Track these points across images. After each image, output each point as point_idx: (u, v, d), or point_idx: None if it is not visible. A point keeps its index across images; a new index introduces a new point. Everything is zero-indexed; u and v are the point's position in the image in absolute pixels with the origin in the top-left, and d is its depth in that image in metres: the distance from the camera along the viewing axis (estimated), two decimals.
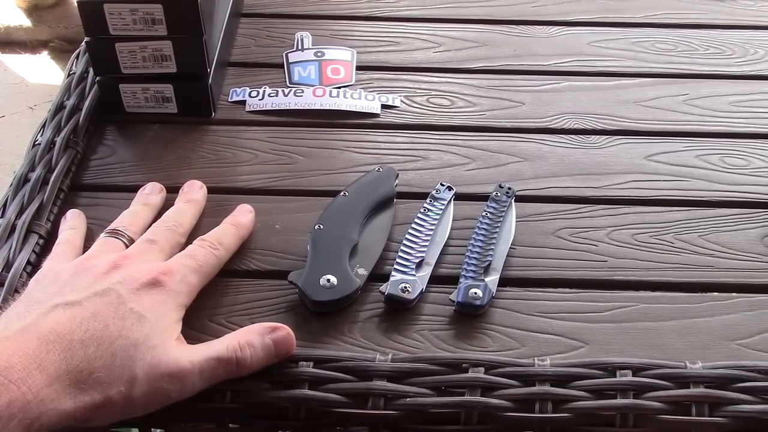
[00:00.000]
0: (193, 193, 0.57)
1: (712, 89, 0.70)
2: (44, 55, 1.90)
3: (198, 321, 0.50)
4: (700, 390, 0.45)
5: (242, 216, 0.56)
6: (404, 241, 0.54)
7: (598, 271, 0.54)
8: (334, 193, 0.57)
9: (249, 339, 0.45)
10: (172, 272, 0.47)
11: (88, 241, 0.54)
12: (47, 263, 0.50)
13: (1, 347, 0.40)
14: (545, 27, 0.78)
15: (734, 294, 0.53)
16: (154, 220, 0.55)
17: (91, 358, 0.41)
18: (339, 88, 0.69)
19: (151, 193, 0.57)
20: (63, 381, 0.40)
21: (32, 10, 1.91)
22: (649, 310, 0.52)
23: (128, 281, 0.46)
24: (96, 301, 0.44)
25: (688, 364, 0.46)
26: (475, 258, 0.53)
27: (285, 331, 0.46)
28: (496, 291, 0.52)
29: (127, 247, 0.51)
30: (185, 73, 0.64)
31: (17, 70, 1.86)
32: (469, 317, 0.51)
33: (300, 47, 0.74)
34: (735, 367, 0.46)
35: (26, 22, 1.91)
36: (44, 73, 1.85)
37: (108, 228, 0.53)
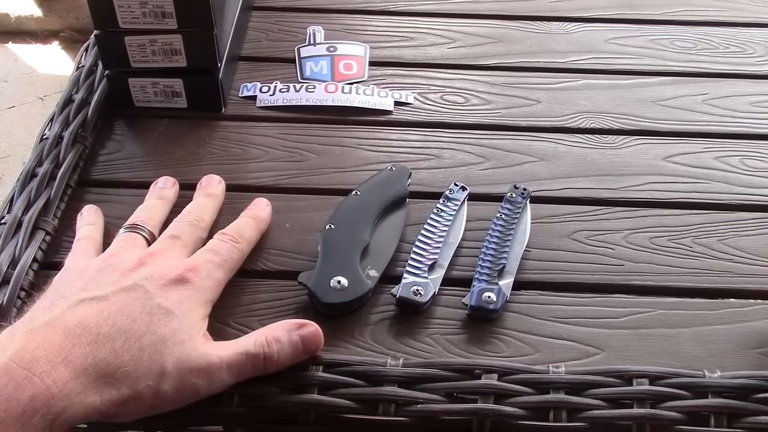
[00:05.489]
0: (212, 188, 0.57)
1: (732, 89, 0.69)
2: (55, 46, 1.90)
3: None
4: (719, 400, 0.44)
5: (260, 210, 0.55)
6: (417, 243, 0.53)
7: (615, 276, 0.53)
8: (345, 192, 0.56)
9: (276, 335, 0.45)
10: (197, 269, 0.47)
11: (105, 237, 0.53)
12: (70, 259, 0.50)
13: (25, 340, 0.40)
14: (562, 23, 0.76)
15: (754, 301, 0.52)
16: (170, 213, 0.55)
17: (119, 352, 0.41)
18: (351, 84, 0.68)
19: (165, 186, 0.57)
20: (89, 374, 0.40)
21: (43, 0, 1.90)
22: (667, 316, 0.51)
23: (155, 277, 0.45)
24: (123, 296, 0.44)
25: (706, 373, 0.46)
26: (488, 261, 0.52)
27: (313, 327, 0.46)
28: (510, 295, 0.51)
29: (147, 240, 0.51)
30: (195, 68, 0.63)
31: (28, 61, 1.86)
32: (482, 321, 0.50)
33: (312, 42, 0.73)
34: (755, 377, 0.45)
35: (37, 12, 1.91)
36: (55, 64, 1.85)
37: (126, 223, 0.52)
